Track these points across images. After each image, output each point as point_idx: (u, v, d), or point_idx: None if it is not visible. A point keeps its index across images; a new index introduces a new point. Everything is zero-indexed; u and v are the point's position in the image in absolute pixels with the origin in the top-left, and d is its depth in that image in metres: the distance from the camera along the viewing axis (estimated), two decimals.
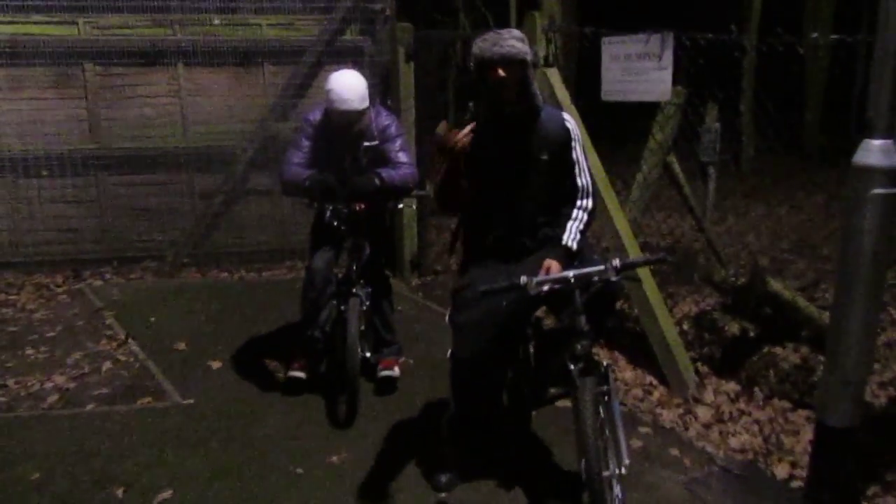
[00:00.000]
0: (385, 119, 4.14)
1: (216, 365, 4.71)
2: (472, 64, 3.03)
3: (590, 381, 2.88)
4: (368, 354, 4.31)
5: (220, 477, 3.46)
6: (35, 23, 6.12)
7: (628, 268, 2.93)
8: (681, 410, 4.11)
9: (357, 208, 4.04)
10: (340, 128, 4.00)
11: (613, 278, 2.89)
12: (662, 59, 4.22)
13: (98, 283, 6.28)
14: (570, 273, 2.94)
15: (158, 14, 6.29)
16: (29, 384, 4.45)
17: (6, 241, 6.39)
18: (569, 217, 3.20)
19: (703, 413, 4.04)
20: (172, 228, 6.65)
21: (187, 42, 6.37)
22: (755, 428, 3.86)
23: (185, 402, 4.24)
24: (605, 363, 2.96)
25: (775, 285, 4.27)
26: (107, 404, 4.22)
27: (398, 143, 4.12)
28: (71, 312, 5.62)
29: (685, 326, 4.68)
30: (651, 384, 4.41)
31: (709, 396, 4.18)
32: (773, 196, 8.33)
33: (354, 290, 4.08)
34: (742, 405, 4.06)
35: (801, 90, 9.02)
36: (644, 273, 4.51)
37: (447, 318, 3.36)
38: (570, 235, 3.16)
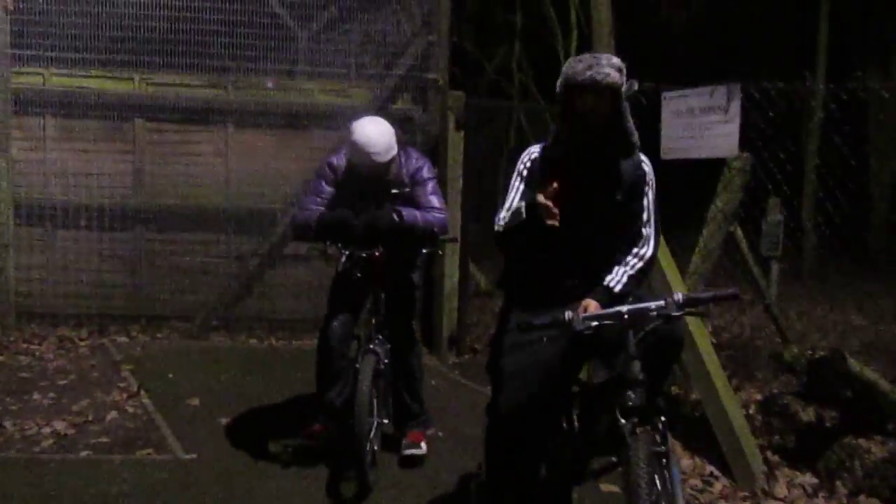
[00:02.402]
0: (416, 161, 3.80)
1: (226, 421, 4.33)
2: (560, 85, 2.75)
3: (644, 438, 2.42)
4: (387, 421, 3.82)
5: None
6: (93, 76, 6.18)
7: (693, 304, 2.51)
8: (749, 503, 3.54)
9: (376, 254, 3.62)
10: (366, 178, 3.66)
11: (675, 313, 2.47)
12: (729, 111, 3.92)
13: (123, 339, 6.03)
14: (624, 308, 2.54)
15: (214, 75, 6.30)
16: (26, 427, 4.14)
17: (37, 291, 6.24)
18: (620, 262, 2.84)
19: None
20: (205, 289, 6.42)
21: (239, 103, 6.35)
22: None
23: (186, 456, 3.87)
24: (662, 419, 2.49)
25: (857, 365, 3.75)
26: (103, 453, 3.86)
27: (429, 186, 3.77)
28: (88, 364, 5.35)
29: (751, 411, 4.14)
30: (712, 474, 3.85)
31: (781, 490, 3.61)
32: (838, 295, 7.74)
33: (371, 346, 3.65)
34: (821, 501, 3.48)
35: (867, 187, 8.55)
36: (706, 349, 4.05)
37: (486, 366, 2.97)
38: (616, 278, 2.78)
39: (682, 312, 2.48)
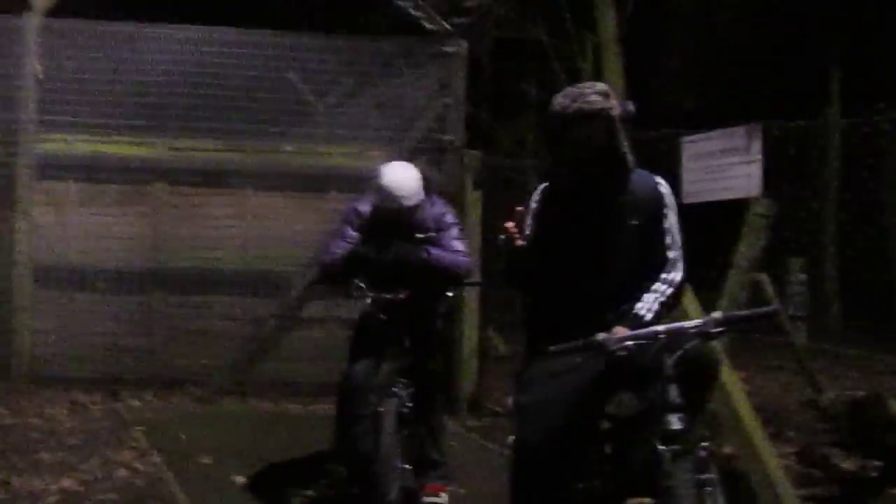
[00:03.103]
0: (440, 207, 3.84)
1: (240, 480, 4.16)
2: (549, 122, 2.74)
3: (686, 465, 2.27)
4: (408, 466, 3.64)
5: None
6: (114, 142, 6.28)
7: (733, 323, 2.41)
8: None
9: (401, 296, 3.58)
10: (392, 223, 3.67)
11: (714, 330, 2.36)
12: (750, 151, 3.89)
13: (135, 403, 5.91)
14: (661, 327, 2.44)
15: (234, 139, 6.39)
16: (33, 484, 3.99)
17: (51, 354, 6.16)
18: (648, 289, 2.74)
19: None
20: (220, 353, 6.33)
21: (258, 166, 6.42)
22: None
23: None
24: (705, 444, 2.34)
25: None
26: None
27: (454, 231, 3.79)
28: (99, 425, 5.22)
29: (790, 462, 3.93)
30: None
31: None
32: (865, 362, 7.49)
33: (395, 390, 3.56)
34: None
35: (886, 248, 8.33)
36: (739, 398, 3.88)
37: (510, 402, 2.86)
38: (645, 305, 2.67)
39: (721, 330, 2.37)
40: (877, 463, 3.69)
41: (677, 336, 2.41)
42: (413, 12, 6.55)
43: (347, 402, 3.70)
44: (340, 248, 3.70)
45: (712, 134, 4.10)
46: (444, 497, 3.80)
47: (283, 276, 6.42)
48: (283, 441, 5.02)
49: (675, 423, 2.32)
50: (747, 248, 4.46)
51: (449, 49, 6.43)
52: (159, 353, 6.32)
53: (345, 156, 6.57)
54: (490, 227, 6.26)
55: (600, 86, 2.69)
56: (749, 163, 3.88)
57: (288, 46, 6.32)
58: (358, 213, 3.80)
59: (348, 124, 6.54)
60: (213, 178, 6.40)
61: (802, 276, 6.39)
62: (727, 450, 4.21)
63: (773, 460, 3.69)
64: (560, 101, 2.63)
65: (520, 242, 2.57)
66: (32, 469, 4.23)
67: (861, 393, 3.88)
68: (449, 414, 5.82)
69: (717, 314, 2.40)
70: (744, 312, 2.51)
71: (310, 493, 3.86)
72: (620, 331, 2.57)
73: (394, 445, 3.42)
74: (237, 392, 6.26)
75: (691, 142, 4.20)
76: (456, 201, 6.19)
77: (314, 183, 6.49)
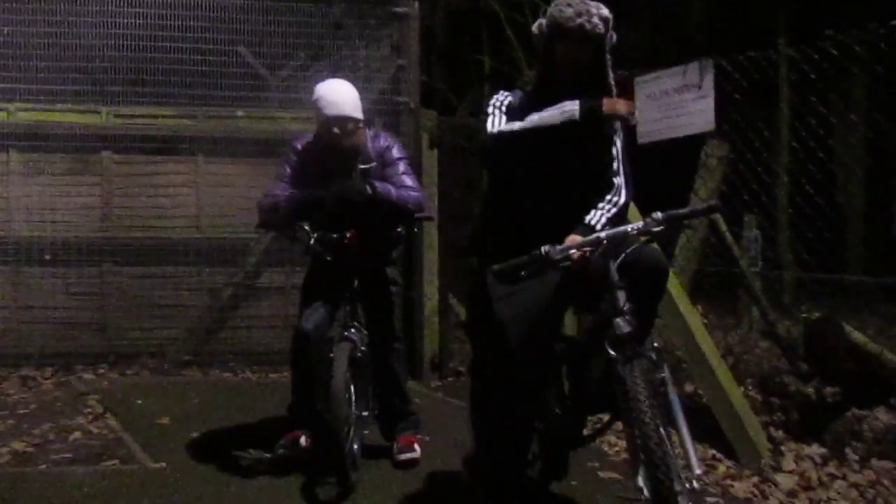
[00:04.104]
0: (384, 141, 3.66)
1: (199, 435, 4.07)
2: (544, 27, 2.69)
3: (639, 364, 2.27)
4: (366, 414, 3.59)
5: None
6: (59, 110, 6.08)
7: (673, 220, 2.41)
8: (756, 479, 3.34)
9: (348, 235, 3.39)
10: (332, 147, 3.48)
11: (655, 229, 2.36)
12: (703, 87, 3.90)
13: (90, 377, 5.73)
14: (602, 233, 2.43)
15: (183, 105, 6.23)
16: None
17: None
18: (595, 207, 2.74)
19: (786, 481, 3.30)
20: (176, 324, 6.18)
21: (209, 133, 6.26)
22: (853, 493, 3.08)
23: (155, 465, 3.60)
24: (655, 345, 2.35)
25: (856, 336, 3.63)
26: (65, 466, 3.58)
27: (401, 166, 3.60)
28: (52, 397, 5.05)
29: (749, 392, 3.98)
30: (714, 458, 3.67)
31: (789, 463, 3.44)
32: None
33: (346, 334, 3.46)
34: (832, 469, 3.30)
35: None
36: (699, 332, 3.91)
37: (464, 328, 2.82)
38: (594, 217, 2.69)
39: (661, 228, 2.37)
40: (833, 390, 3.74)
41: (621, 239, 2.41)
42: None
43: (301, 359, 3.59)
44: (279, 189, 3.53)
45: (665, 72, 4.10)
46: (417, 450, 3.72)
47: (239, 244, 6.29)
48: (242, 407, 4.90)
49: (624, 327, 2.33)
50: (704, 189, 4.50)
51: (400, 10, 6.35)
52: (113, 327, 6.14)
53: (298, 120, 6.43)
54: (446, 185, 6.25)
55: (605, 10, 2.65)
56: (702, 98, 3.90)
57: (237, 9, 6.17)
58: (295, 150, 3.63)
59: (301, 88, 6.42)
60: (163, 146, 6.21)
61: (755, 233, 6.46)
62: (688, 387, 4.27)
63: (735, 390, 3.74)
64: (564, 9, 2.59)
65: (628, 115, 2.61)
66: None
67: (816, 315, 3.92)
68: (411, 374, 5.80)
69: (657, 214, 2.39)
70: (683, 210, 2.51)
71: (267, 451, 3.72)
72: (571, 239, 2.55)
73: (346, 391, 3.28)
74: (195, 363, 6.12)
75: (644, 81, 4.20)
76: (413, 162, 6.14)
77: (268, 148, 6.34)
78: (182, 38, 6.05)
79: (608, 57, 2.70)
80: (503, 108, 2.74)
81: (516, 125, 2.66)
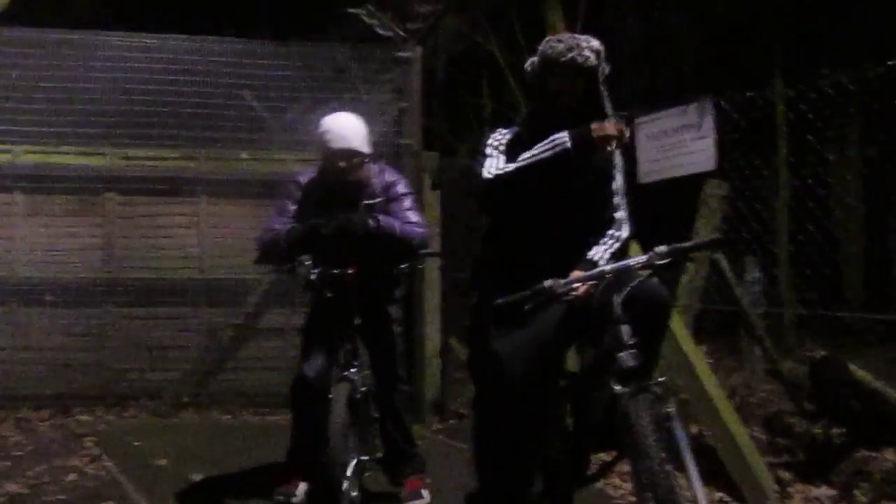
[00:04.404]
0: (390, 175, 3.59)
1: (197, 477, 4.01)
2: (536, 62, 2.73)
3: (644, 398, 2.24)
4: (367, 458, 3.40)
5: None
6: (64, 152, 6.13)
7: (677, 253, 2.41)
8: None
9: (349, 271, 3.26)
10: (336, 181, 3.40)
11: (659, 262, 2.36)
12: (703, 127, 3.94)
13: (87, 418, 5.68)
14: (607, 266, 2.43)
15: (187, 147, 6.28)
16: None
17: None
18: (596, 243, 2.75)
19: None
20: (175, 365, 6.15)
21: (212, 174, 6.31)
22: None
23: None
24: (661, 379, 2.32)
25: (860, 374, 3.60)
26: None
27: (406, 201, 3.52)
28: (48, 438, 5.00)
29: (755, 433, 3.93)
30: (721, 500, 3.60)
31: None
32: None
33: (345, 374, 3.29)
34: None
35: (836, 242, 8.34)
36: (705, 372, 3.88)
37: (466, 364, 2.80)
38: (597, 254, 2.70)
39: (665, 261, 2.36)
40: (839, 430, 3.70)
41: (624, 273, 2.40)
42: (367, 19, 6.57)
43: (301, 404, 3.51)
44: (280, 224, 3.45)
45: (665, 113, 4.14)
46: (425, 496, 3.61)
47: (240, 285, 6.29)
48: (240, 450, 4.83)
49: (628, 361, 2.31)
50: (705, 228, 4.49)
51: (403, 54, 6.44)
52: (112, 368, 6.10)
53: (300, 162, 6.48)
54: (448, 226, 6.26)
55: (595, 42, 2.68)
56: (703, 138, 3.93)
57: (241, 53, 6.26)
58: (298, 185, 3.56)
59: (303, 130, 6.48)
60: (166, 187, 6.26)
61: (757, 275, 6.45)
62: (694, 428, 4.21)
63: (741, 430, 3.69)
64: (555, 45, 2.63)
65: (612, 147, 2.59)
66: None
67: (820, 353, 3.89)
68: (412, 416, 5.74)
69: (660, 248, 2.39)
70: (688, 243, 2.50)
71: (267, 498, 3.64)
72: (575, 274, 2.55)
73: (345, 433, 3.13)
74: (194, 404, 6.07)
75: (644, 122, 4.24)
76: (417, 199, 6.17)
77: (270, 189, 6.38)
78: (186, 81, 6.14)
79: (602, 88, 2.73)
80: (500, 148, 2.75)
81: (511, 166, 2.67)
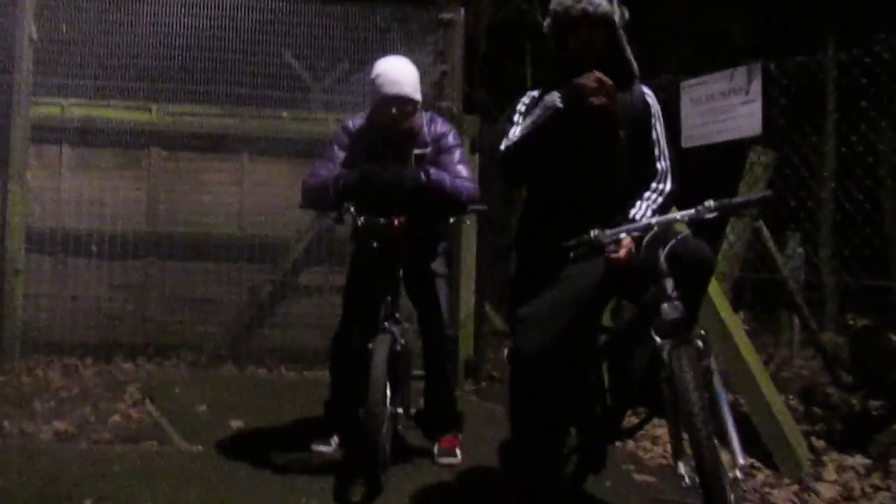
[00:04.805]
0: (441, 126, 3.51)
1: (236, 424, 4.12)
2: (549, 23, 2.70)
3: (686, 350, 2.24)
4: (401, 411, 3.45)
5: None
6: (110, 107, 6.23)
7: (725, 209, 2.39)
8: (796, 488, 3.27)
9: (395, 222, 3.20)
10: (386, 128, 3.33)
11: (708, 216, 2.34)
12: (750, 91, 3.87)
13: (129, 366, 5.83)
14: (653, 219, 2.41)
15: (230, 105, 6.34)
16: (24, 426, 3.93)
17: (44, 319, 6.08)
18: (640, 197, 2.70)
19: (827, 490, 3.22)
20: (215, 319, 6.27)
21: (254, 132, 6.37)
22: None
23: (192, 448, 3.65)
24: (703, 333, 2.32)
25: None
26: (106, 445, 3.65)
27: (457, 154, 3.44)
28: (92, 383, 5.15)
29: (791, 402, 3.90)
30: (753, 466, 3.58)
31: (830, 474, 3.35)
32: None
33: (387, 325, 3.30)
34: (876, 481, 3.21)
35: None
36: (742, 340, 3.85)
37: (505, 315, 2.81)
38: (639, 211, 2.64)
39: (713, 215, 2.34)
40: (878, 402, 3.66)
41: (668, 229, 2.39)
42: None
43: (342, 360, 3.56)
44: (327, 170, 3.38)
45: (711, 76, 4.08)
46: (458, 455, 3.63)
47: (280, 242, 6.36)
48: (278, 402, 4.93)
49: (672, 312, 2.30)
50: (747, 195, 4.43)
51: (446, 16, 6.40)
52: (153, 319, 6.24)
53: (341, 122, 6.52)
54: (486, 191, 6.25)
55: None
56: (749, 102, 3.86)
57: (284, 12, 6.28)
58: (347, 131, 3.50)
59: (345, 90, 6.50)
60: (209, 144, 6.34)
61: (799, 250, 6.36)
62: (729, 396, 4.19)
63: (776, 398, 3.67)
64: (563, 1, 2.58)
65: (599, 101, 2.52)
66: (24, 416, 4.16)
67: (862, 323, 3.84)
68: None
69: (709, 202, 2.37)
70: (736, 200, 2.47)
71: (304, 447, 3.72)
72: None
73: (383, 384, 3.14)
74: (232, 358, 6.19)
75: (691, 86, 4.18)
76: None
77: (311, 149, 6.42)
78: (230, 39, 6.18)
79: (622, 34, 2.66)
80: (522, 114, 2.73)
81: (516, 135, 2.66)
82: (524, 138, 2.63)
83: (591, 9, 2.54)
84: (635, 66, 2.70)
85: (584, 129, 2.63)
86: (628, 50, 2.67)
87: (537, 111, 2.64)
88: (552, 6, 2.66)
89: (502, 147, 2.68)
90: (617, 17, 2.64)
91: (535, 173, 2.76)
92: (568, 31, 2.61)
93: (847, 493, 3.15)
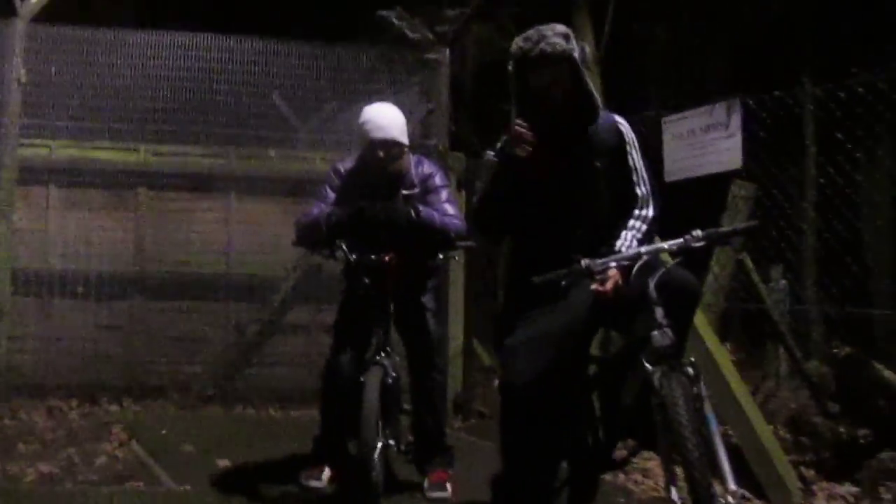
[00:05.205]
0: (427, 168, 3.65)
1: (224, 463, 4.07)
2: (510, 66, 2.75)
3: (677, 378, 2.27)
4: (392, 443, 3.42)
5: None
6: (97, 147, 6.26)
7: (713, 239, 2.43)
8: None
9: (386, 258, 3.32)
10: (375, 170, 3.47)
11: (696, 245, 2.38)
12: (730, 126, 3.96)
13: (115, 408, 5.77)
14: (642, 248, 2.46)
15: (218, 145, 6.40)
16: (8, 468, 3.88)
17: (29, 362, 6.02)
18: (624, 227, 2.72)
19: None
20: (202, 359, 6.23)
21: (242, 172, 6.42)
22: None
23: (179, 488, 3.60)
24: (692, 360, 2.35)
25: (887, 374, 3.58)
26: (92, 486, 3.60)
27: (444, 193, 3.56)
28: (77, 425, 5.09)
29: (780, 433, 3.92)
30: (744, 497, 3.58)
31: (820, 502, 3.36)
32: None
33: (378, 358, 3.36)
34: None
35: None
36: (728, 369, 3.88)
37: (493, 345, 2.84)
38: (625, 242, 2.66)
39: (701, 244, 2.39)
40: (864, 431, 3.68)
41: (655, 258, 2.43)
42: (396, 22, 6.66)
43: (332, 391, 3.60)
44: (319, 209, 3.51)
45: (692, 112, 4.17)
46: (449, 489, 3.63)
47: (267, 281, 6.37)
48: (265, 441, 4.87)
49: (663, 340, 2.32)
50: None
51: (431, 56, 6.52)
52: (140, 360, 6.21)
53: (328, 161, 6.54)
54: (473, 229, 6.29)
55: (560, 27, 2.65)
56: (730, 137, 3.95)
57: (271, 53, 6.37)
58: (338, 173, 3.64)
59: (332, 130, 6.59)
60: (196, 184, 6.38)
61: (782, 282, 6.44)
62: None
63: (765, 427, 3.69)
64: (521, 44, 2.60)
65: (522, 151, 2.57)
66: (8, 457, 4.12)
67: (846, 351, 3.89)
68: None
69: (696, 231, 2.41)
70: (724, 229, 2.52)
71: (293, 483, 3.70)
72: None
73: (375, 417, 3.19)
74: (219, 398, 6.14)
75: (671, 121, 4.27)
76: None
77: (298, 188, 6.48)
78: (217, 80, 6.26)
79: (582, 69, 2.67)
80: (496, 167, 2.77)
81: (476, 199, 2.78)
82: (486, 194, 2.75)
83: (549, 49, 2.57)
84: (597, 98, 2.75)
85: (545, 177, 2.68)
86: (590, 84, 2.71)
87: (485, 162, 2.74)
88: (512, 49, 2.68)
89: (473, 205, 2.78)
90: (577, 53, 2.67)
91: (506, 223, 2.83)
92: (529, 71, 2.64)
93: None
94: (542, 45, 2.58)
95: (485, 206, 2.83)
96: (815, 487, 3.46)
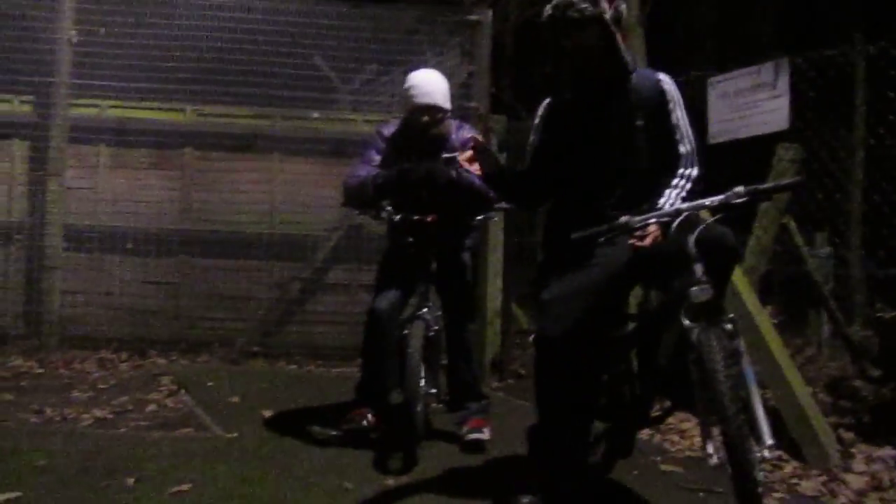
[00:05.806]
0: (468, 132, 3.75)
1: (268, 413, 4.20)
2: (544, 32, 2.76)
3: (715, 332, 2.28)
4: (434, 391, 3.70)
5: (248, 483, 2.91)
6: (145, 108, 6.39)
7: (756, 195, 2.42)
8: (824, 478, 3.28)
9: (428, 219, 3.54)
10: (418, 134, 3.62)
11: (737, 201, 2.37)
12: (777, 86, 3.89)
13: (162, 361, 5.96)
14: (684, 205, 2.46)
15: (261, 105, 6.47)
16: (66, 413, 4.06)
17: (79, 315, 6.24)
18: (668, 185, 2.71)
19: (855, 481, 3.22)
20: (246, 315, 6.39)
21: (285, 132, 6.49)
22: None
23: (228, 435, 3.73)
24: (731, 316, 2.36)
25: None
26: (144, 431, 3.76)
27: None
28: (128, 375, 5.28)
29: (819, 395, 3.91)
30: (780, 458, 3.59)
31: (858, 465, 3.35)
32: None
33: (420, 313, 3.57)
34: None
35: None
36: (767, 331, 3.86)
37: (530, 296, 2.89)
38: (668, 200, 2.65)
39: (743, 200, 2.38)
40: None
41: (695, 215, 2.43)
42: None
43: (373, 336, 3.71)
44: (365, 171, 3.66)
45: (738, 72, 4.10)
46: (486, 432, 3.74)
47: (309, 240, 6.48)
48: (307, 393, 5.02)
49: (701, 295, 2.33)
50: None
51: (473, 17, 6.48)
52: (186, 315, 6.38)
53: (370, 123, 6.62)
54: None
55: None
56: (777, 97, 3.89)
57: (313, 14, 6.38)
58: (382, 136, 3.77)
59: (373, 91, 6.62)
60: (241, 144, 6.48)
61: (827, 249, 6.31)
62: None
63: (804, 389, 3.68)
64: (550, 10, 2.63)
65: (478, 171, 2.78)
66: (64, 403, 4.30)
67: (891, 314, 3.84)
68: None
69: (739, 188, 2.40)
70: (766, 185, 2.50)
71: (335, 432, 3.81)
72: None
73: (419, 368, 3.41)
74: (261, 354, 6.31)
75: (718, 81, 4.21)
76: None
77: (340, 148, 6.55)
78: (261, 41, 6.31)
79: (615, 32, 2.66)
80: (540, 124, 2.86)
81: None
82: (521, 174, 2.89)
83: (576, 15, 2.58)
84: (629, 59, 2.74)
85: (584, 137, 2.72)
86: (621, 47, 2.70)
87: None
88: (543, 15, 2.71)
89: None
90: (608, 15, 2.66)
91: (542, 194, 2.89)
92: (561, 35, 2.67)
93: (876, 483, 3.15)
94: (570, 11, 2.60)
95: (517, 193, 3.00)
96: (853, 450, 3.45)
